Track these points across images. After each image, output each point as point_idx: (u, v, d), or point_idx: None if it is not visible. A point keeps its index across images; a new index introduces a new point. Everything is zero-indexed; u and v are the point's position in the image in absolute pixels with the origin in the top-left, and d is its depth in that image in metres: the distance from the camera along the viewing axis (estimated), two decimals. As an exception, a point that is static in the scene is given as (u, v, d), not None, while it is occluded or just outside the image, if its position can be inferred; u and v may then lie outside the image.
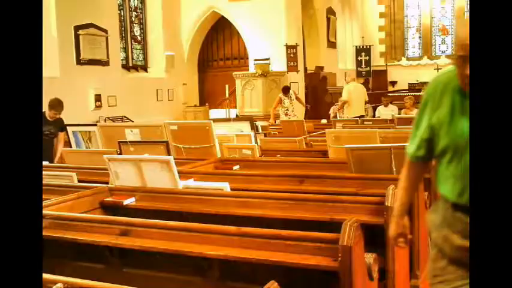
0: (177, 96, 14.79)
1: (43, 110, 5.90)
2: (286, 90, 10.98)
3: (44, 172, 3.54)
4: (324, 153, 5.08)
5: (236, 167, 4.48)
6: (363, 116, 10.47)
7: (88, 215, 2.87)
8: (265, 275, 2.15)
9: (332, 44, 18.05)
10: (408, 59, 21.95)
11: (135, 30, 14.17)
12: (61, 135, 6.16)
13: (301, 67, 14.36)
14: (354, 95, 10.74)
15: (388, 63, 21.79)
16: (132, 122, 10.87)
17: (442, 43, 21.66)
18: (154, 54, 14.40)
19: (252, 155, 4.96)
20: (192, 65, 15.73)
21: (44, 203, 2.91)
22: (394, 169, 3.78)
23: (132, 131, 5.35)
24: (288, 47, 13.76)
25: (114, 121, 11.36)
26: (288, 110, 10.66)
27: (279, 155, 5.11)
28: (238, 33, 14.73)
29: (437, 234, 1.85)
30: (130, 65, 13.95)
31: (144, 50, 14.41)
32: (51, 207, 2.99)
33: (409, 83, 20.38)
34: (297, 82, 14.09)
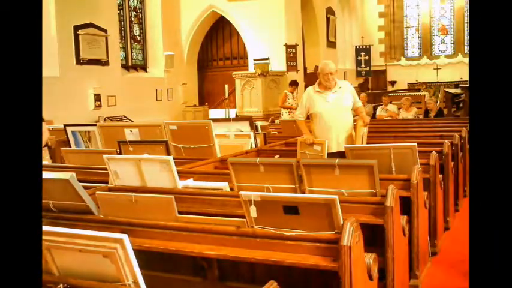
0: (177, 96, 14.78)
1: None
2: (293, 83, 10.57)
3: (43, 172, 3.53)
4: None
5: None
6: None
7: (88, 215, 2.86)
8: (264, 275, 2.15)
9: (332, 44, 18.06)
10: (408, 58, 21.96)
11: (134, 30, 14.17)
12: None
13: (300, 67, 14.36)
14: None
15: (388, 63, 21.81)
16: (132, 121, 10.87)
17: (442, 43, 21.67)
18: (153, 54, 14.40)
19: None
20: (191, 64, 15.74)
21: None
22: (394, 169, 3.78)
23: (131, 131, 5.34)
24: (287, 46, 13.77)
25: (113, 121, 11.36)
26: (291, 109, 10.22)
27: (277, 156, 5.11)
28: (237, 33, 14.74)
29: None
30: (130, 64, 13.95)
31: (144, 49, 14.41)
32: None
33: (408, 83, 20.40)
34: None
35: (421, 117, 10.81)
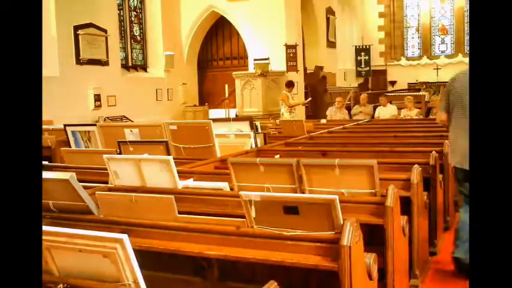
0: (177, 96, 14.78)
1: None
2: (290, 84, 10.87)
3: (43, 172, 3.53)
4: (324, 153, 5.08)
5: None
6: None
7: (88, 215, 2.86)
8: (264, 275, 2.15)
9: (332, 44, 18.06)
10: (408, 58, 21.97)
11: (134, 30, 14.17)
12: None
13: (300, 67, 14.37)
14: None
15: (388, 63, 21.81)
16: (132, 121, 10.87)
17: (442, 43, 21.68)
18: (153, 54, 14.40)
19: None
20: (191, 64, 15.73)
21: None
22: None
23: (131, 131, 5.34)
24: (287, 46, 13.76)
25: (113, 121, 11.36)
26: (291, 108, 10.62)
27: (277, 156, 5.11)
28: (237, 33, 14.74)
29: None
30: (130, 64, 13.95)
31: (144, 49, 14.40)
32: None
33: (408, 83, 20.40)
34: (297, 82, 14.08)
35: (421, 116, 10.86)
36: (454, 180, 4.06)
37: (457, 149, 3.69)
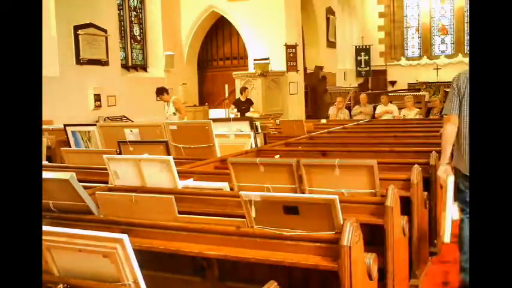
0: (177, 96, 14.77)
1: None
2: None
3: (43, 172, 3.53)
4: (324, 153, 5.08)
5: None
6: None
7: (88, 215, 2.86)
8: (264, 275, 2.15)
9: (331, 44, 18.05)
10: (408, 58, 21.96)
11: (134, 30, 14.17)
12: None
13: (300, 67, 14.36)
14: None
15: (388, 63, 21.81)
16: (132, 121, 10.87)
17: (442, 43, 21.67)
18: (153, 54, 14.40)
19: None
20: (191, 64, 15.73)
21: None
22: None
23: (131, 131, 5.34)
24: (287, 46, 13.76)
25: (113, 121, 11.36)
26: None
27: (277, 156, 5.11)
28: (237, 33, 14.74)
29: None
30: (130, 64, 13.94)
31: (144, 49, 14.40)
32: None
33: (408, 83, 20.41)
34: (297, 82, 14.09)
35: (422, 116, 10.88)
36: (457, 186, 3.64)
37: (464, 154, 3.29)
